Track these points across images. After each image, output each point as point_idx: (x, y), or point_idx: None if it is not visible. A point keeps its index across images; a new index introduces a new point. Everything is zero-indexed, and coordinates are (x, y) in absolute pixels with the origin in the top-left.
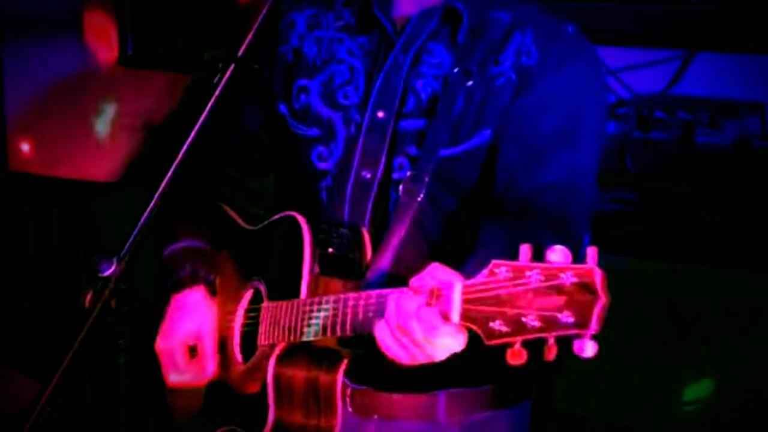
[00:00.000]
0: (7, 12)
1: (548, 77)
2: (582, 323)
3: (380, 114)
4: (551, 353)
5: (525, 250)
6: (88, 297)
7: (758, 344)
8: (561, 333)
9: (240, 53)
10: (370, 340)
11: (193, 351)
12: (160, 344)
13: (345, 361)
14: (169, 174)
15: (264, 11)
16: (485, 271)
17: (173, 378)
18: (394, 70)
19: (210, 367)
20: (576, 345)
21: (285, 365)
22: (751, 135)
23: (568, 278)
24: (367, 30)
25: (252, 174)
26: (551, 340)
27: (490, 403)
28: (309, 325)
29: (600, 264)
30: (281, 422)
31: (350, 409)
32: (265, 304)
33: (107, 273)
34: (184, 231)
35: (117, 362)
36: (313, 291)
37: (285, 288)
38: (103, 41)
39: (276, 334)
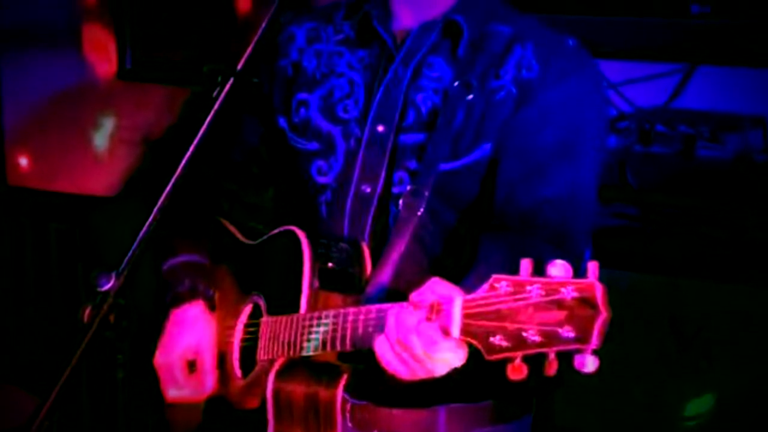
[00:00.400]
0: (6, 25)
1: (549, 91)
2: (583, 338)
3: (380, 128)
4: (552, 368)
5: (525, 264)
6: (87, 312)
7: (759, 359)
8: (562, 348)
9: (239, 67)
10: (370, 355)
11: (192, 366)
12: (159, 359)
13: (345, 376)
14: (168, 188)
15: (263, 25)
16: (485, 286)
17: (172, 393)
18: (394, 84)
19: (209, 382)
20: (577, 360)
21: (284, 380)
22: (753, 149)
23: (568, 293)
24: (366, 43)
25: (251, 188)
26: (552, 355)
27: (491, 418)
28: (309, 340)
29: (601, 279)
30: None
31: (350, 425)
32: (264, 318)
33: (106, 287)
34: (183, 245)
35: (116, 377)
36: (312, 306)
37: (284, 302)
38: (102, 55)
39: (275, 349)
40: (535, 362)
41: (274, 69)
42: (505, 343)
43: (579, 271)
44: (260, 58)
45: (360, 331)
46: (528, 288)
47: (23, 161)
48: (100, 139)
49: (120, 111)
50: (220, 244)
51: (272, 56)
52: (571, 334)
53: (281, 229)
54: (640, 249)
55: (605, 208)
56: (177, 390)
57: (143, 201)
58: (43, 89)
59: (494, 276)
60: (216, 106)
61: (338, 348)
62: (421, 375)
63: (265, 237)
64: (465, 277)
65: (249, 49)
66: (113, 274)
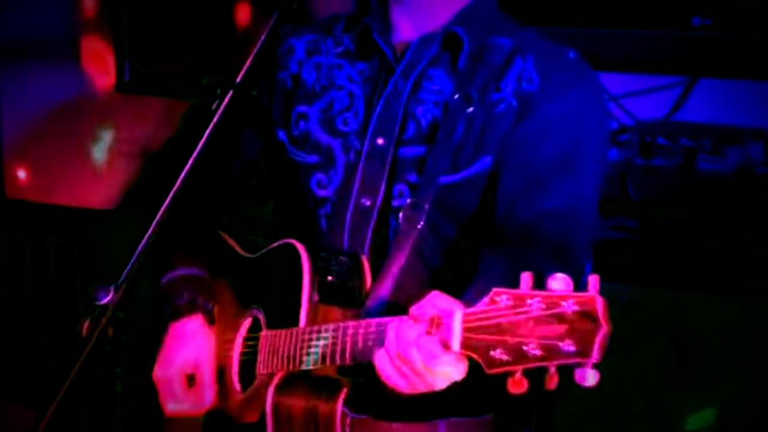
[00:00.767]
0: (5, 38)
1: (549, 103)
2: (583, 352)
3: (380, 141)
4: (552, 382)
5: (526, 278)
6: (85, 325)
7: (761, 373)
8: (562, 362)
9: (238, 80)
10: (369, 368)
11: (191, 380)
12: (158, 373)
13: (344, 390)
14: (167, 201)
15: (263, 37)
16: (486, 299)
17: (171, 407)
18: (393, 97)
19: (208, 396)
20: (577, 374)
21: (284, 394)
22: (754, 162)
23: (569, 306)
24: (366, 56)
25: (250, 201)
26: (552, 369)
27: None
28: (308, 354)
29: (602, 292)
30: None
31: None
32: (263, 332)
33: (104, 301)
34: (182, 259)
35: (114, 391)
36: (312, 319)
37: (284, 316)
38: (101, 68)
39: (275, 362)
40: (536, 376)
41: (273, 82)
42: (505, 357)
43: (580, 285)
44: (259, 71)
45: (360, 344)
46: (528, 301)
47: (22, 174)
48: (99, 151)
49: (119, 124)
50: (219, 258)
51: (271, 69)
52: (572, 348)
53: (281, 242)
54: (640, 262)
55: (606, 221)
56: (176, 404)
57: (142, 214)
58: (42, 102)
59: (494, 289)
60: (215, 119)
61: (338, 362)
62: (421, 389)
63: (264, 250)
64: (465, 290)
65: (248, 62)
66: (112, 288)
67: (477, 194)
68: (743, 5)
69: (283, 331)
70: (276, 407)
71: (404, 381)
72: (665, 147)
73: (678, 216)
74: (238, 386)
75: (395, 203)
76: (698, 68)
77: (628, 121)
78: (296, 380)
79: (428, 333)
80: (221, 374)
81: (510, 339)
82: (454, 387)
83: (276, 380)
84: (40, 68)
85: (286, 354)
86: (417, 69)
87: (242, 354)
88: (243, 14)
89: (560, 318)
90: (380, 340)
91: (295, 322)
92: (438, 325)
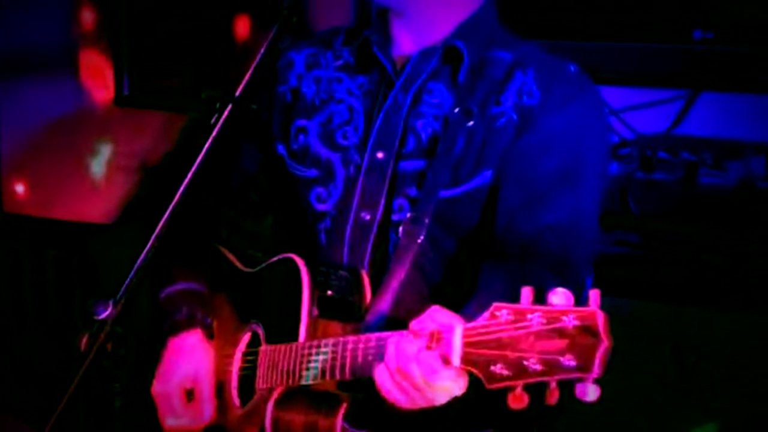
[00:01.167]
0: (2, 51)
1: (550, 117)
2: (584, 367)
3: (380, 155)
4: (553, 397)
5: (526, 292)
6: (84, 340)
7: (762, 387)
8: (563, 376)
9: (237, 93)
10: (369, 383)
11: (190, 395)
12: (157, 388)
13: (344, 405)
14: (166, 215)
15: (262, 51)
16: (486, 314)
17: (170, 422)
18: (393, 110)
19: (207, 411)
20: (578, 389)
21: (283, 409)
22: (756, 176)
23: (570, 321)
24: (366, 69)
25: (250, 215)
26: (553, 384)
27: None
28: (308, 369)
29: (602, 307)
30: None
31: None
32: (263, 347)
33: (103, 316)
34: (181, 273)
35: (113, 406)
36: (311, 334)
37: (283, 331)
38: (99, 81)
39: (274, 377)
40: (537, 391)
41: (272, 95)
42: (506, 372)
43: (580, 299)
44: (259, 85)
45: (360, 359)
46: (529, 316)
47: (20, 188)
48: (98, 166)
49: (117, 137)
50: (218, 272)
51: (271, 82)
52: (573, 363)
53: (280, 256)
54: (642, 277)
55: (607, 235)
56: (175, 419)
57: (141, 228)
58: (40, 116)
59: (495, 304)
60: (214, 133)
61: (338, 377)
62: (421, 404)
63: (263, 265)
64: (465, 305)
65: (247, 76)
66: (110, 302)
67: (477, 208)
68: (745, 19)
69: (283, 346)
70: (275, 422)
71: (404, 396)
72: (666, 161)
73: (679, 230)
74: (237, 401)
75: (395, 217)
76: (700, 82)
77: (629, 135)
78: (296, 395)
79: (428, 348)
80: (220, 389)
81: (510, 354)
82: (455, 402)
83: (275, 395)
84: (38, 82)
85: (285, 369)
86: (417, 82)
87: (241, 369)
88: (242, 28)
89: (561, 333)
90: (380, 355)
91: (294, 336)
92: (438, 339)
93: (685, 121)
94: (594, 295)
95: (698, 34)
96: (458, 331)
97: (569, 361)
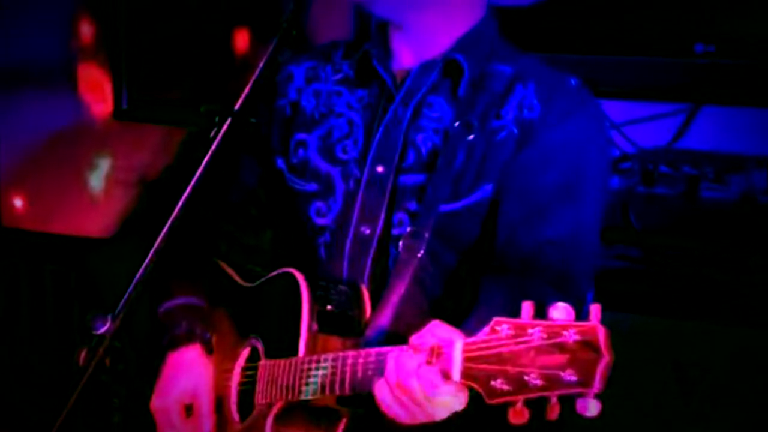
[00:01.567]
0: (1, 64)
1: (550, 131)
2: (585, 382)
3: (379, 169)
4: (554, 412)
5: (527, 307)
6: (83, 355)
7: (764, 402)
8: (564, 392)
9: (237, 107)
10: (369, 398)
11: (189, 410)
12: (156, 403)
13: (344, 421)
14: (165, 230)
15: (261, 64)
16: (487, 329)
17: None
18: (393, 124)
19: (206, 426)
20: (579, 404)
21: (283, 424)
22: (757, 190)
23: (570, 336)
24: (366, 83)
25: (249, 230)
26: (554, 399)
27: None
28: (307, 384)
29: (603, 321)
30: None
31: None
32: (262, 362)
33: (102, 330)
34: (180, 288)
35: (112, 421)
36: (311, 349)
37: (283, 346)
38: (98, 95)
39: (274, 392)
40: (537, 406)
41: (272, 109)
42: (506, 387)
43: (581, 314)
44: (258, 98)
45: (359, 374)
46: (530, 331)
47: (18, 202)
48: (96, 180)
49: (116, 151)
50: (217, 287)
51: (270, 96)
52: (574, 378)
53: (279, 271)
54: (643, 291)
55: (608, 249)
56: None
57: (140, 243)
58: (38, 129)
59: (495, 319)
60: (213, 147)
61: (337, 392)
62: (421, 419)
63: (263, 279)
64: (466, 319)
65: (247, 89)
66: (109, 317)
67: (477, 222)
68: (746, 32)
69: (282, 361)
70: None
71: (404, 411)
72: (667, 175)
73: (681, 244)
74: (236, 416)
75: (395, 232)
76: (701, 95)
77: (630, 149)
78: (295, 410)
79: (428, 363)
80: (219, 404)
81: (511, 369)
82: (455, 417)
83: (275, 410)
84: (36, 95)
85: (285, 384)
86: (417, 96)
87: (241, 384)
88: (241, 41)
89: (561, 347)
90: (380, 370)
91: (294, 351)
92: (438, 354)
93: (686, 134)
94: (595, 309)
95: (700, 47)
96: (458, 345)
97: (570, 376)
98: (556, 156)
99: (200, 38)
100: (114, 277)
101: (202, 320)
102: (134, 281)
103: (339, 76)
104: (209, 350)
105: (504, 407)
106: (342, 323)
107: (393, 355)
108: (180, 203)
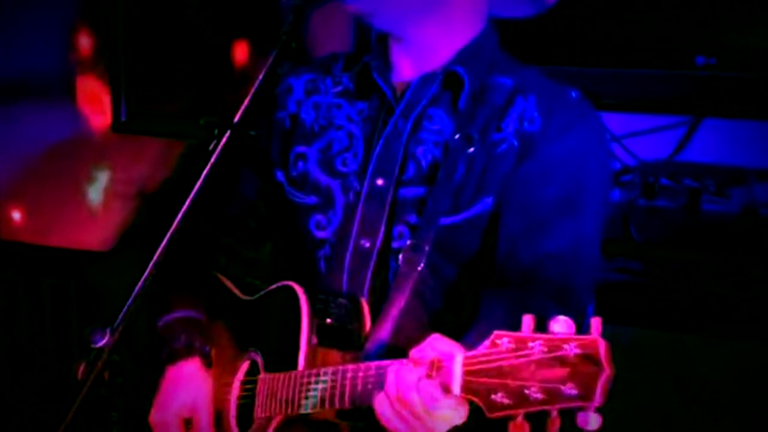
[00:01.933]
0: None
1: (551, 144)
2: (586, 395)
3: (379, 181)
4: (554, 426)
5: (527, 320)
6: (81, 368)
7: (765, 416)
8: (564, 405)
9: (236, 119)
10: (369, 412)
11: (188, 424)
12: (155, 417)
13: None
14: (164, 243)
15: (261, 77)
16: (487, 342)
17: None
18: (393, 137)
19: None
20: (579, 418)
21: None
22: (759, 203)
23: (571, 349)
24: (366, 95)
25: (248, 243)
26: (554, 413)
27: None
28: (307, 398)
29: (604, 335)
30: None
31: None
32: (261, 375)
33: (100, 344)
34: (179, 301)
35: None
36: (311, 362)
37: (282, 359)
38: (96, 107)
39: (273, 406)
40: (538, 420)
41: (271, 122)
42: (506, 401)
43: (582, 327)
44: (257, 111)
45: (359, 388)
46: (530, 344)
47: (16, 215)
48: (95, 192)
49: (115, 164)
50: (216, 300)
51: (270, 108)
52: (574, 392)
53: (279, 284)
54: (644, 304)
55: (608, 262)
56: None
57: (138, 256)
58: (37, 142)
59: (496, 332)
60: (212, 160)
61: (337, 405)
62: None
63: (262, 292)
64: (466, 333)
65: (246, 102)
66: (108, 330)
67: (478, 236)
68: (747, 44)
69: (282, 374)
70: None
71: (404, 425)
72: (668, 188)
73: (681, 257)
74: (235, 430)
75: (395, 245)
76: (702, 108)
77: (630, 162)
78: (295, 424)
79: (428, 376)
80: (218, 418)
81: (511, 382)
82: (455, 431)
83: (274, 424)
84: (35, 108)
85: (284, 397)
86: (417, 109)
87: (240, 397)
88: (241, 53)
89: (562, 361)
90: (380, 384)
91: (293, 365)
92: (438, 368)
93: (687, 147)
94: (595, 323)
95: (701, 59)
96: (459, 359)
97: (570, 389)
98: (557, 169)
99: (199, 50)
100: (113, 290)
101: (201, 333)
102: (133, 294)
103: (339, 88)
104: (208, 364)
105: (504, 421)
106: (342, 337)
107: (393, 368)
108: (179, 216)
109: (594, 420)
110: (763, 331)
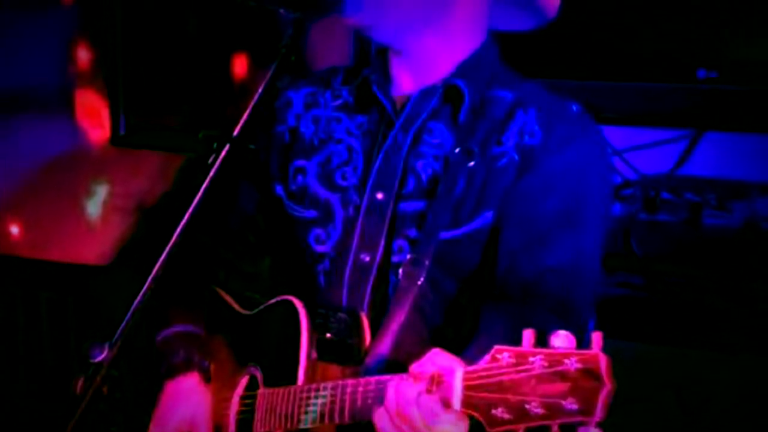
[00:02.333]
0: None
1: (551, 158)
2: (586, 410)
3: (379, 195)
4: None
5: (528, 335)
6: (80, 383)
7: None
8: (565, 420)
9: (235, 133)
10: (369, 427)
11: None
12: None
13: None
14: (163, 257)
15: (260, 90)
16: (487, 357)
17: None
18: (393, 150)
19: None
20: None
21: None
22: (760, 217)
23: (572, 364)
24: (365, 109)
25: (247, 257)
26: (555, 428)
27: None
28: (306, 413)
29: (605, 349)
30: None
31: None
32: (261, 390)
33: (99, 358)
34: (178, 315)
35: None
36: (310, 377)
37: (282, 374)
38: (95, 121)
39: (272, 421)
40: None
41: (270, 135)
42: (507, 416)
43: (582, 342)
44: (257, 124)
45: (359, 403)
46: (531, 359)
47: (14, 229)
48: (93, 206)
49: (113, 178)
50: (215, 314)
51: (269, 122)
52: (575, 407)
53: (278, 298)
54: (645, 319)
55: (609, 277)
56: None
57: (137, 270)
58: (35, 155)
59: (496, 347)
60: (211, 173)
61: (337, 420)
62: None
63: (261, 307)
64: (466, 347)
65: (245, 115)
66: (106, 345)
67: (478, 250)
68: (749, 58)
69: (281, 389)
70: None
71: None
72: (670, 202)
73: (683, 272)
74: None
75: (395, 259)
76: (703, 121)
77: (631, 176)
78: None
79: (429, 391)
80: None
81: (512, 397)
82: None
83: None
84: (34, 121)
85: (283, 412)
86: (417, 122)
87: (239, 413)
88: (240, 67)
89: (563, 376)
90: (380, 399)
91: (293, 380)
92: (439, 383)
93: (688, 161)
94: (596, 337)
95: (702, 73)
96: (459, 374)
97: (571, 404)
98: (557, 183)
99: (198, 64)
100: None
101: (200, 348)
102: (132, 309)
103: (338, 102)
104: (207, 379)
105: None
106: (341, 351)
107: (393, 383)
108: (178, 230)
109: None
110: (765, 345)
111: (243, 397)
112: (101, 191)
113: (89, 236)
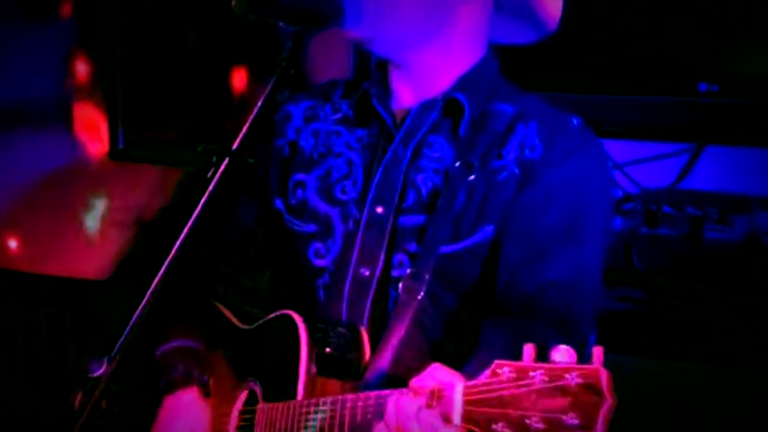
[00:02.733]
0: None
1: (552, 172)
2: (587, 425)
3: (379, 209)
4: None
5: (529, 349)
6: (78, 398)
7: None
8: None
9: (234, 147)
10: None
11: None
12: None
13: None
14: (162, 271)
15: (259, 104)
16: (488, 372)
17: None
18: (393, 164)
19: None
20: None
21: None
22: (762, 231)
23: (573, 379)
24: (365, 123)
25: (247, 271)
26: None
27: None
28: (306, 427)
29: (606, 364)
30: None
31: None
32: (260, 405)
33: (97, 373)
34: (177, 330)
35: None
36: (309, 392)
37: (281, 389)
38: (93, 135)
39: None
40: None
41: (270, 149)
42: (507, 430)
43: (583, 357)
44: (256, 138)
45: (359, 418)
46: (531, 374)
47: (13, 243)
48: (92, 220)
49: (112, 192)
50: (214, 329)
51: (268, 136)
52: (576, 422)
53: (278, 313)
54: (646, 334)
55: (610, 291)
56: None
57: (136, 284)
58: (33, 169)
59: (496, 361)
60: (210, 187)
61: None
62: None
63: (261, 321)
64: (466, 362)
65: (244, 129)
66: (105, 360)
67: (478, 264)
68: (750, 71)
69: (281, 404)
70: None
71: None
72: (671, 216)
73: (684, 286)
74: None
75: (395, 273)
76: (705, 135)
77: (632, 189)
78: None
79: (429, 406)
80: None
81: (512, 412)
82: None
83: None
84: (32, 135)
85: (283, 427)
86: (417, 136)
87: (238, 427)
88: (239, 80)
89: (563, 391)
90: (380, 413)
91: (292, 394)
92: (439, 397)
93: (689, 175)
94: (597, 352)
95: (703, 86)
96: (459, 389)
97: (572, 419)
98: (557, 196)
99: (197, 77)
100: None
101: (199, 363)
102: (130, 323)
103: (338, 115)
104: (206, 393)
105: None
106: (341, 366)
107: (393, 398)
108: (177, 244)
109: None
110: (767, 359)
111: (242, 412)
112: (100, 205)
113: (88, 250)
